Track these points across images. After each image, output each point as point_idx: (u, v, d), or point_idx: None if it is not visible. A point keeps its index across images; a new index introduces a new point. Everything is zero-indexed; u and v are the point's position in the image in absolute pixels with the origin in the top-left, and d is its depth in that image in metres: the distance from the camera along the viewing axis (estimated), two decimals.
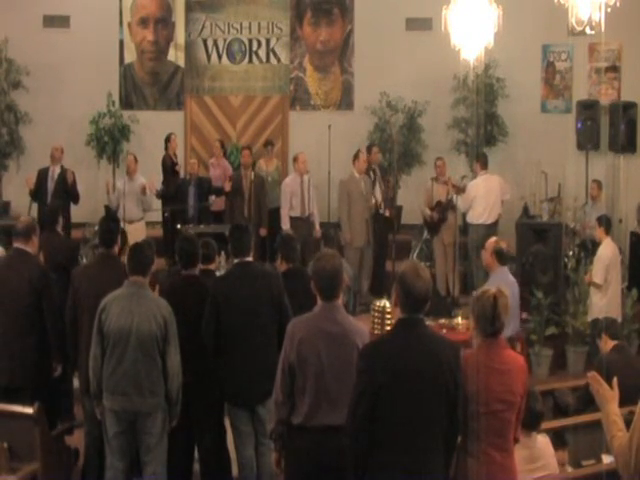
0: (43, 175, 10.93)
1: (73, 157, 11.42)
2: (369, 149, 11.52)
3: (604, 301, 8.84)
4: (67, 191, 10.84)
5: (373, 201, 10.85)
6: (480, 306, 4.24)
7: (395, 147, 12.16)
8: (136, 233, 10.53)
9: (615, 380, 3.69)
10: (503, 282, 6.34)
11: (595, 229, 9.24)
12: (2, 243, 7.48)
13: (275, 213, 11.76)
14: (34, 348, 5.97)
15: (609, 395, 3.65)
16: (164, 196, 11.35)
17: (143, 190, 10.99)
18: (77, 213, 11.07)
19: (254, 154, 11.97)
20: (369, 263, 10.83)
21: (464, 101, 12.95)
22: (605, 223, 8.97)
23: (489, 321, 4.20)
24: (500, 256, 6.96)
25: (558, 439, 5.31)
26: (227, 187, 11.10)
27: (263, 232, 10.92)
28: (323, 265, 4.43)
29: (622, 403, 3.69)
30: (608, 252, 8.86)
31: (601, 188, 11.30)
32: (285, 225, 10.84)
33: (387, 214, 11.10)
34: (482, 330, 4.25)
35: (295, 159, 11.06)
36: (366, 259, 10.76)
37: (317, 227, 10.84)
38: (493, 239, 7.24)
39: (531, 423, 4.92)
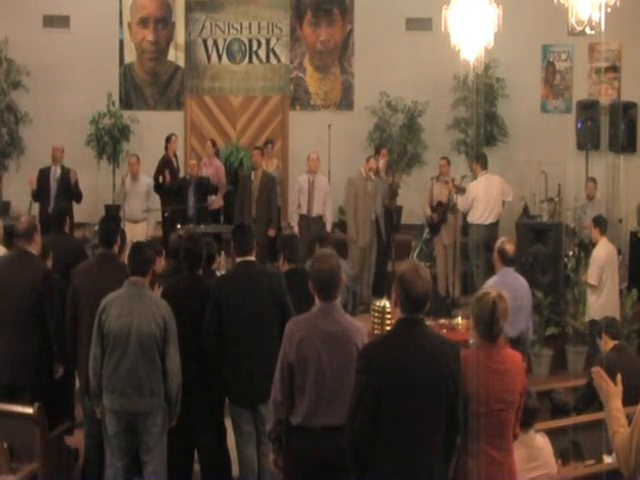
0: (44, 175, 10.95)
1: (73, 157, 11.42)
2: (377, 150, 11.55)
3: (599, 302, 8.84)
4: (69, 191, 10.86)
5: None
6: (479, 309, 4.24)
7: (407, 147, 12.20)
8: (139, 233, 10.57)
9: (619, 377, 3.70)
10: (508, 285, 6.32)
11: (591, 229, 9.24)
12: (3, 243, 7.45)
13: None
14: (35, 349, 5.95)
15: (613, 391, 3.66)
16: (165, 195, 11.36)
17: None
18: (77, 213, 11.06)
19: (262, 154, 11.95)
20: (372, 264, 10.81)
21: (464, 101, 12.96)
22: (601, 224, 8.96)
23: (487, 325, 4.20)
24: (502, 256, 6.96)
25: (574, 449, 5.31)
26: (222, 187, 11.25)
27: (272, 232, 10.90)
28: (321, 266, 4.44)
29: (622, 403, 3.69)
30: (603, 253, 8.84)
31: (596, 186, 11.30)
32: (292, 222, 10.92)
33: (388, 204, 11.04)
34: (480, 333, 4.25)
35: (307, 158, 11.11)
36: (370, 259, 10.76)
37: (328, 229, 10.85)
38: (500, 240, 7.25)
39: (526, 420, 4.90)
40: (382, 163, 11.32)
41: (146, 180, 11.30)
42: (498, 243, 7.12)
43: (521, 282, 7.17)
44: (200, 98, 13.80)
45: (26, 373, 5.94)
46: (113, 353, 5.28)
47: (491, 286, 5.80)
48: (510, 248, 6.99)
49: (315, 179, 10.94)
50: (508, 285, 6.22)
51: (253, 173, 11.11)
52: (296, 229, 10.82)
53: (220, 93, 13.81)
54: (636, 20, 11.31)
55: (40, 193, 10.84)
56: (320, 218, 10.88)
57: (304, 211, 10.90)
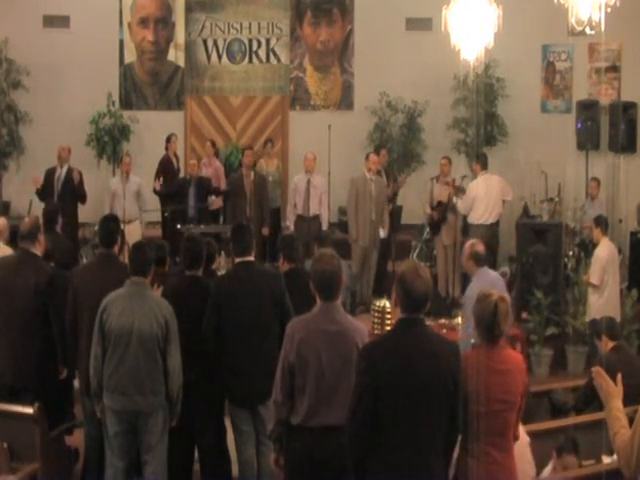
0: (50, 175, 10.95)
1: (73, 157, 11.40)
2: (377, 151, 11.54)
3: (601, 301, 8.84)
4: (73, 191, 10.85)
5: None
6: (480, 311, 4.23)
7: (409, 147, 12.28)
8: (133, 232, 10.57)
9: (619, 376, 3.70)
10: (486, 282, 6.36)
11: (592, 229, 9.24)
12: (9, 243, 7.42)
13: (275, 213, 11.79)
14: (37, 350, 5.94)
15: (613, 391, 3.66)
16: (165, 195, 11.35)
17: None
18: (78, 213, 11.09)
19: (255, 154, 11.98)
20: (373, 264, 10.77)
21: (464, 101, 12.97)
22: (602, 223, 8.96)
23: (488, 328, 4.19)
24: (477, 258, 6.95)
25: (571, 446, 5.30)
26: (222, 186, 11.30)
27: (266, 232, 10.95)
28: (322, 266, 4.44)
29: (622, 403, 3.69)
30: (605, 253, 8.85)
31: (600, 186, 11.31)
32: (287, 222, 10.95)
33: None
34: (481, 334, 4.25)
35: (303, 158, 11.12)
36: (370, 260, 10.72)
37: (324, 228, 10.81)
38: (469, 243, 7.15)
39: None
40: (380, 164, 11.31)
41: (136, 180, 11.30)
42: (468, 248, 6.99)
43: (497, 277, 7.20)
44: (200, 98, 13.79)
45: (29, 374, 5.93)
46: (114, 352, 5.28)
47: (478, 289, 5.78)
48: (481, 249, 6.98)
49: (311, 179, 10.95)
50: (489, 284, 6.22)
51: (253, 173, 11.13)
52: (292, 229, 10.82)
53: (220, 93, 13.81)
54: (636, 20, 11.32)
55: (44, 193, 10.83)
56: (317, 217, 10.89)
57: (301, 211, 10.91)
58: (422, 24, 12.83)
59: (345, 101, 13.78)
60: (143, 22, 13.66)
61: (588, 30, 6.48)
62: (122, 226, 6.74)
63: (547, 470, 5.36)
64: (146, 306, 5.31)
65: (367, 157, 10.83)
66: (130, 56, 13.69)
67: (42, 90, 12.98)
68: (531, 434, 5.20)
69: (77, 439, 6.29)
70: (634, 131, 12.05)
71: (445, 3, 8.51)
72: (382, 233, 10.76)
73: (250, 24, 13.66)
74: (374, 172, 10.67)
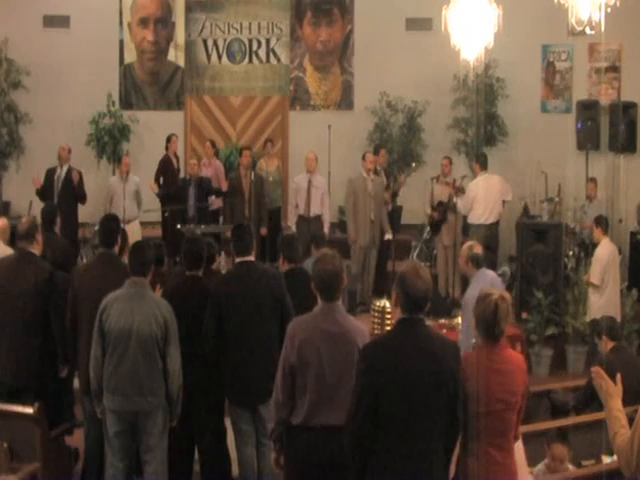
0: (50, 175, 10.96)
1: (73, 157, 11.41)
2: (377, 150, 11.53)
3: (602, 301, 8.84)
4: (73, 191, 10.85)
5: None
6: (481, 310, 4.22)
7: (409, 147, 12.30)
8: (133, 232, 10.57)
9: (619, 376, 3.71)
10: (486, 283, 6.30)
11: (593, 229, 9.23)
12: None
13: (275, 213, 11.79)
14: (38, 350, 5.94)
15: (612, 391, 3.66)
16: (165, 195, 11.35)
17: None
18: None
19: (254, 154, 11.99)
20: (373, 264, 10.76)
21: (464, 101, 12.97)
22: (603, 223, 8.96)
23: (489, 327, 4.18)
24: (476, 261, 6.83)
25: (560, 435, 5.32)
26: (224, 187, 11.20)
27: (264, 232, 10.96)
28: (324, 266, 4.44)
29: (622, 403, 3.69)
30: (605, 252, 8.85)
31: (597, 186, 11.30)
32: (289, 222, 10.96)
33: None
34: (481, 334, 4.24)
35: (305, 158, 11.12)
36: (370, 260, 10.71)
37: (325, 229, 10.80)
38: (466, 245, 6.99)
39: None
40: (380, 164, 11.30)
41: (135, 179, 11.31)
42: (466, 250, 6.83)
43: (495, 278, 7.07)
44: (200, 98, 13.80)
45: (29, 375, 5.92)
46: (114, 353, 5.28)
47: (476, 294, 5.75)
48: (479, 250, 6.87)
49: (312, 179, 10.93)
50: (488, 285, 6.17)
51: (253, 173, 11.14)
52: (293, 229, 10.82)
53: (220, 93, 13.82)
54: (636, 20, 11.31)
55: (45, 193, 10.83)
56: (318, 218, 10.88)
57: (302, 211, 10.90)
58: (422, 24, 12.83)
59: (345, 101, 13.79)
60: (143, 22, 13.67)
61: (588, 30, 6.48)
62: (122, 226, 6.73)
63: (542, 464, 5.39)
64: (145, 306, 5.30)
65: (364, 157, 10.81)
66: (130, 56, 13.70)
67: (42, 90, 12.99)
68: (531, 434, 5.22)
69: (77, 439, 6.28)
70: (634, 131, 12.05)
71: (445, 3, 8.52)
72: (388, 235, 10.76)
73: (250, 24, 13.67)
74: (372, 171, 10.66)
